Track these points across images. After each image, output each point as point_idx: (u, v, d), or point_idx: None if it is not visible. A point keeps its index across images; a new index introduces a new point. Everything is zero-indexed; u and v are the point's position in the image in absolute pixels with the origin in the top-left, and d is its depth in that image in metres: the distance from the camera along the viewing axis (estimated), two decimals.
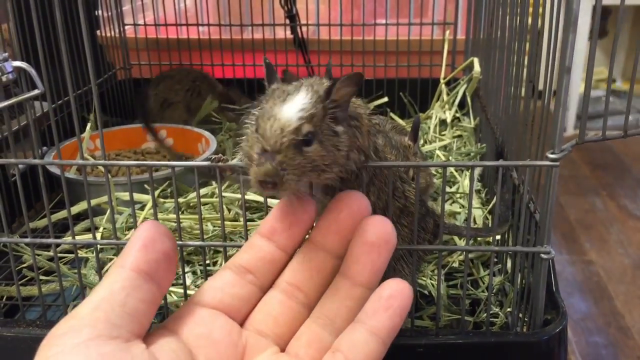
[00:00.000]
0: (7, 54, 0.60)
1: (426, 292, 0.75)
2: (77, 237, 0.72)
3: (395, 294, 0.44)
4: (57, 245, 0.72)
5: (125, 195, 0.87)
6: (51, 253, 0.80)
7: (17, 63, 0.59)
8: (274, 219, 0.47)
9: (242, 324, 0.46)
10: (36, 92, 0.59)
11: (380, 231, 0.45)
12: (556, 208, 3.08)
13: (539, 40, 0.64)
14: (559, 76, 0.52)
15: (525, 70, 0.69)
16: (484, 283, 0.77)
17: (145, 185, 0.90)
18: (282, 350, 0.46)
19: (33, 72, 0.58)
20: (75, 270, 0.71)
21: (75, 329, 0.38)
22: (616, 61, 4.25)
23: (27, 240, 0.64)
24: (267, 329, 0.46)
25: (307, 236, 0.49)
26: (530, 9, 0.66)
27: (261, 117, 0.46)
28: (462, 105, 1.19)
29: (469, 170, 0.81)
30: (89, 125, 1.04)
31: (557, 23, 0.57)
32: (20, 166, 0.96)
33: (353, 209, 0.47)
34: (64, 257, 0.82)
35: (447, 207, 0.91)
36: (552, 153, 0.54)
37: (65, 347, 0.36)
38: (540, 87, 0.61)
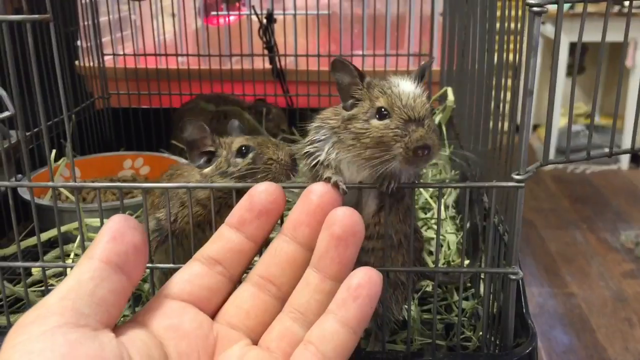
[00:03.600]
0: None
1: (400, 317, 0.74)
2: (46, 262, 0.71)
3: (364, 283, 0.44)
4: (26, 270, 0.71)
5: (96, 222, 0.87)
6: (21, 286, 0.79)
7: None
8: (243, 209, 0.47)
9: (212, 316, 0.46)
10: (7, 113, 0.59)
11: (347, 224, 0.45)
12: (537, 241, 3.11)
13: (504, 68, 0.66)
14: (523, 99, 0.53)
15: (493, 96, 0.70)
16: (457, 307, 0.77)
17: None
18: (254, 343, 0.46)
19: (4, 94, 0.59)
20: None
21: (42, 317, 0.38)
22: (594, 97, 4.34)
23: None
24: (238, 322, 0.46)
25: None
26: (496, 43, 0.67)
27: (391, 96, 0.52)
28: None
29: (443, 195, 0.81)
30: (69, 154, 1.04)
31: (520, 49, 0.59)
32: None
33: (323, 200, 0.47)
34: (34, 290, 0.80)
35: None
36: (517, 174, 0.55)
37: (32, 334, 0.37)
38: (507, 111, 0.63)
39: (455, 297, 0.79)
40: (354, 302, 0.43)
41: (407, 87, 0.53)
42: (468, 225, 0.73)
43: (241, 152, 0.64)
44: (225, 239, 0.47)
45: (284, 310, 0.46)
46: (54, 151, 1.02)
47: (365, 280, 0.44)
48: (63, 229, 0.83)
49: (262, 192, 0.47)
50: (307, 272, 0.47)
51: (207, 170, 0.66)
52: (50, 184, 0.60)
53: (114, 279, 0.41)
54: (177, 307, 0.45)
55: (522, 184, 0.54)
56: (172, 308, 0.44)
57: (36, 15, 0.55)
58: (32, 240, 0.87)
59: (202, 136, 0.66)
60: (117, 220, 0.42)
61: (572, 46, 3.68)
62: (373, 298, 0.44)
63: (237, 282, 0.47)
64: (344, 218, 0.45)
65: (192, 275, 0.46)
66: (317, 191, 0.47)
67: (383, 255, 0.58)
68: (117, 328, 0.41)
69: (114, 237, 0.41)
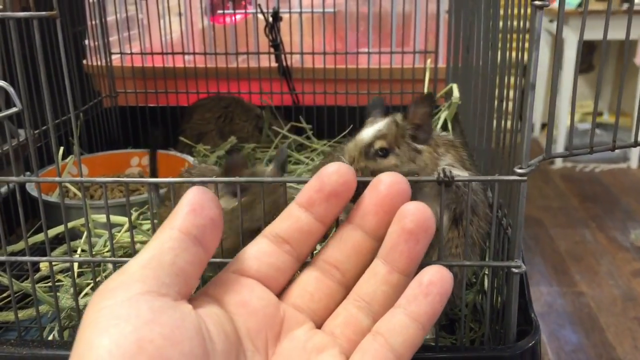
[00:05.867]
0: None
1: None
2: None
3: (435, 281, 0.43)
4: (34, 264, 0.72)
5: (103, 218, 0.87)
6: (28, 282, 0.80)
7: None
8: (312, 189, 0.46)
9: (278, 295, 0.46)
10: (14, 109, 0.60)
11: (419, 219, 0.44)
12: (546, 240, 3.11)
13: (509, 63, 0.66)
14: (525, 93, 0.53)
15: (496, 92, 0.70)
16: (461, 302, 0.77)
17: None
18: (318, 327, 0.45)
19: (12, 90, 0.59)
20: (51, 294, 0.71)
21: (125, 283, 0.38)
22: (603, 95, 4.32)
23: (3, 258, 0.64)
24: (303, 304, 0.45)
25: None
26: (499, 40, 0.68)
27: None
28: (444, 131, 1.21)
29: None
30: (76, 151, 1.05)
31: (523, 42, 0.59)
32: (3, 189, 0.97)
33: (392, 190, 0.46)
34: (41, 286, 0.81)
35: None
36: (519, 168, 0.55)
37: (117, 299, 0.37)
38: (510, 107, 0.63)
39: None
40: (425, 298, 0.43)
41: (357, 135, 0.63)
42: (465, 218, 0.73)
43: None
44: (294, 218, 0.46)
45: (348, 298, 0.46)
46: (61, 148, 1.04)
47: (437, 278, 0.44)
48: (70, 224, 0.84)
49: (333, 173, 0.45)
50: (374, 263, 0.46)
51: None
52: (57, 179, 0.61)
53: (192, 251, 0.40)
54: (246, 283, 0.44)
55: (525, 178, 0.55)
56: (241, 284, 0.44)
57: (43, 12, 0.55)
58: (40, 237, 0.88)
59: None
60: (196, 192, 0.42)
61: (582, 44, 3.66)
62: (444, 296, 0.43)
63: (302, 262, 0.47)
64: (417, 212, 0.45)
65: (260, 252, 0.45)
66: (386, 181, 0.46)
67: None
68: (192, 300, 0.41)
69: (193, 209, 0.41)
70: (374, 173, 0.51)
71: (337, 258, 0.46)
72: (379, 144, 0.60)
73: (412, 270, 0.45)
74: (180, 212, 0.41)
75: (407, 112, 0.62)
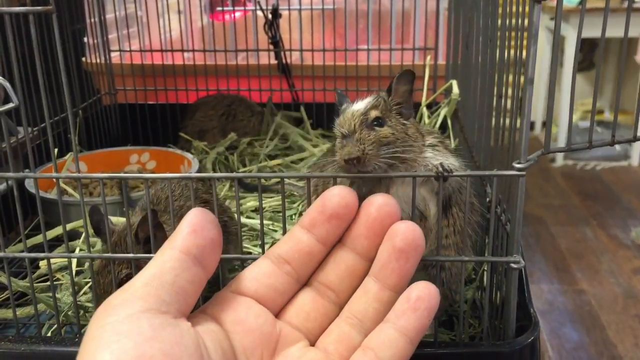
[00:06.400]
0: None
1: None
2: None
3: (423, 296, 0.45)
4: (32, 262, 0.72)
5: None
6: (27, 281, 0.80)
7: None
8: (315, 211, 0.48)
9: (276, 314, 0.47)
10: (10, 105, 0.60)
11: (409, 237, 0.46)
12: (547, 238, 3.10)
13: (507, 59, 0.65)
14: (523, 87, 0.53)
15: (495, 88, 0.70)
16: (458, 298, 0.77)
17: (124, 209, 0.89)
18: (312, 345, 0.47)
19: (8, 85, 0.59)
20: (50, 294, 0.71)
21: (128, 300, 0.40)
22: (605, 93, 4.31)
23: (1, 255, 0.64)
24: (299, 323, 0.47)
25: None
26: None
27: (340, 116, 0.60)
28: (443, 127, 1.21)
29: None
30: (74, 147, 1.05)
31: (522, 37, 0.59)
32: (2, 187, 0.97)
33: (382, 212, 0.47)
34: (39, 285, 0.81)
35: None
36: (518, 163, 0.55)
37: (119, 316, 0.38)
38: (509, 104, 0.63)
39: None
40: (413, 313, 0.45)
41: (349, 108, 0.61)
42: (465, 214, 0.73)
43: None
44: (296, 240, 0.48)
45: (341, 316, 0.48)
46: (59, 147, 1.03)
47: (425, 294, 0.45)
48: (69, 226, 0.84)
49: (335, 195, 0.47)
50: (366, 280, 0.48)
51: None
52: (54, 174, 0.61)
53: (192, 271, 0.42)
54: (244, 302, 0.46)
55: (523, 173, 0.54)
56: (239, 303, 0.46)
57: (39, 7, 0.55)
58: (39, 238, 0.87)
59: None
60: (197, 214, 0.44)
61: (582, 42, 3.65)
62: (431, 311, 0.45)
63: (303, 283, 0.48)
64: (406, 232, 0.46)
65: (261, 273, 0.47)
66: (376, 203, 0.48)
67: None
68: (191, 317, 0.43)
69: (194, 230, 0.43)
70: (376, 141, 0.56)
71: (331, 279, 0.48)
72: (374, 114, 0.59)
73: (402, 287, 0.47)
74: (181, 233, 0.43)
75: (389, 89, 0.63)
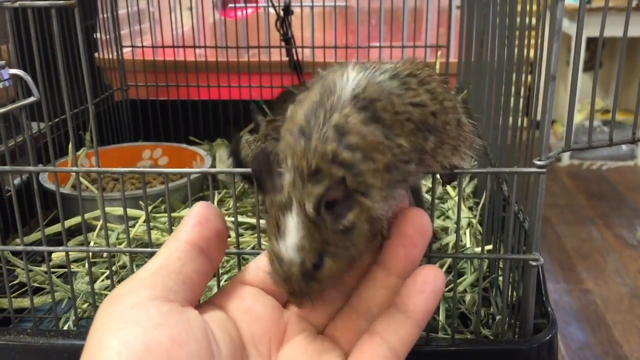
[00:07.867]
0: (4, 61, 0.61)
1: None
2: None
3: (429, 279, 0.45)
4: (50, 254, 0.72)
5: (117, 210, 0.87)
6: (44, 268, 0.80)
7: (14, 70, 0.60)
8: None
9: (284, 304, 0.48)
10: (32, 99, 0.60)
11: (417, 223, 0.47)
12: (553, 237, 3.09)
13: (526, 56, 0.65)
14: (545, 84, 0.53)
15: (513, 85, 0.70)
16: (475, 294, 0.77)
17: (140, 202, 0.90)
18: (320, 332, 0.47)
19: (29, 79, 0.59)
20: (66, 284, 0.72)
21: (135, 289, 0.40)
22: (611, 93, 4.31)
23: (20, 248, 0.64)
24: (306, 311, 0.47)
25: None
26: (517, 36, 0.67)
27: (271, 247, 0.44)
28: None
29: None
30: (86, 143, 1.06)
31: (543, 33, 0.59)
32: (16, 181, 0.97)
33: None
34: (56, 272, 0.81)
35: (439, 222, 0.91)
36: (539, 160, 0.55)
37: (127, 304, 0.39)
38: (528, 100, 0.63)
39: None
40: (419, 296, 0.45)
41: (279, 252, 0.46)
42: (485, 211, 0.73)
43: None
44: None
45: (349, 304, 0.48)
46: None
47: (430, 277, 0.45)
48: (86, 216, 0.84)
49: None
50: (372, 268, 0.48)
51: None
52: (74, 169, 0.61)
53: (198, 261, 0.43)
54: (251, 292, 0.47)
55: (544, 170, 0.54)
56: (247, 292, 0.46)
57: (62, 1, 0.55)
58: (54, 228, 0.88)
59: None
60: (202, 206, 0.45)
61: (589, 41, 3.64)
62: (437, 294, 0.45)
63: None
64: (415, 217, 0.47)
65: (266, 263, 0.47)
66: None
67: None
68: (198, 307, 0.43)
69: (199, 222, 0.44)
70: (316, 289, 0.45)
71: None
72: (309, 259, 0.43)
73: (409, 273, 0.47)
74: (187, 225, 0.44)
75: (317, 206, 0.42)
